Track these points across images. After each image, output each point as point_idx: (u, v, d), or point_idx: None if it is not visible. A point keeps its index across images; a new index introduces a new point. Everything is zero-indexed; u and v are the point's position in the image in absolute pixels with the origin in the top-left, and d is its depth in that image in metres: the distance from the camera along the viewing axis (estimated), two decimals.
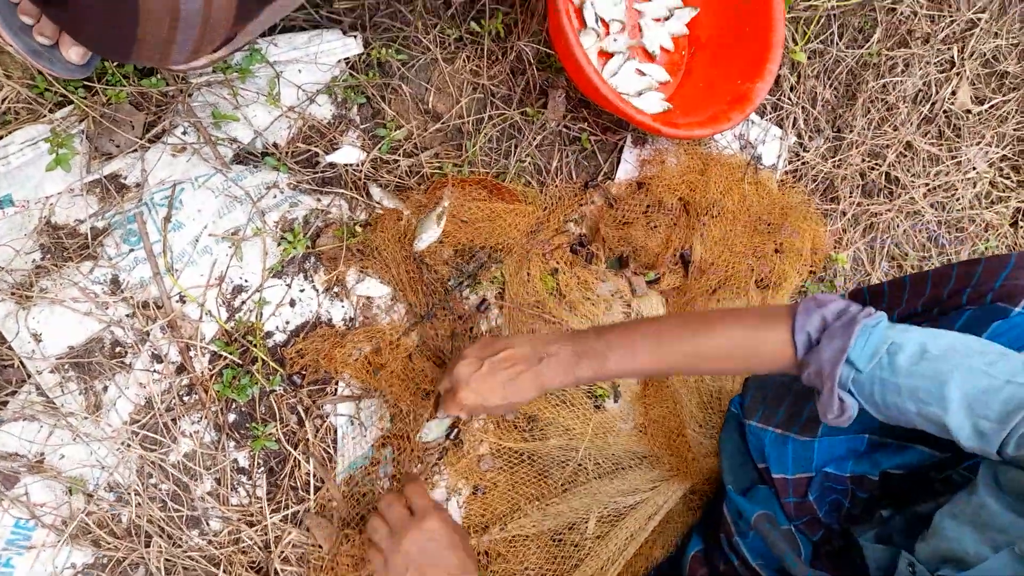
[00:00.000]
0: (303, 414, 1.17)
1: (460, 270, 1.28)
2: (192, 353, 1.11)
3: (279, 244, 1.17)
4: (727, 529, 1.14)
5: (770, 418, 1.07)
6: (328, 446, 1.19)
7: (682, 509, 1.41)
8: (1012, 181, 1.92)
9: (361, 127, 1.25)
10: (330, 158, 1.21)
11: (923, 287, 1.03)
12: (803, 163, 1.64)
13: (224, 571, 1.11)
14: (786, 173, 1.63)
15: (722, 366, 0.97)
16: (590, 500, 1.37)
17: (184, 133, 1.13)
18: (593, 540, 1.35)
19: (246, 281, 1.15)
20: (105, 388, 1.07)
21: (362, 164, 1.23)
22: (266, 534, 1.13)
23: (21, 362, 1.03)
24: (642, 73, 1.48)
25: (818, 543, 1.08)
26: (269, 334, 1.17)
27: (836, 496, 1.05)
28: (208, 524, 1.12)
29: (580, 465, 1.37)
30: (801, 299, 0.95)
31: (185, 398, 1.11)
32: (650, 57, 1.50)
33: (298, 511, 1.16)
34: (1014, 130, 1.89)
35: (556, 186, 1.38)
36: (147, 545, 1.08)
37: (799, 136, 1.65)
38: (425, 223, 1.18)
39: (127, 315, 1.09)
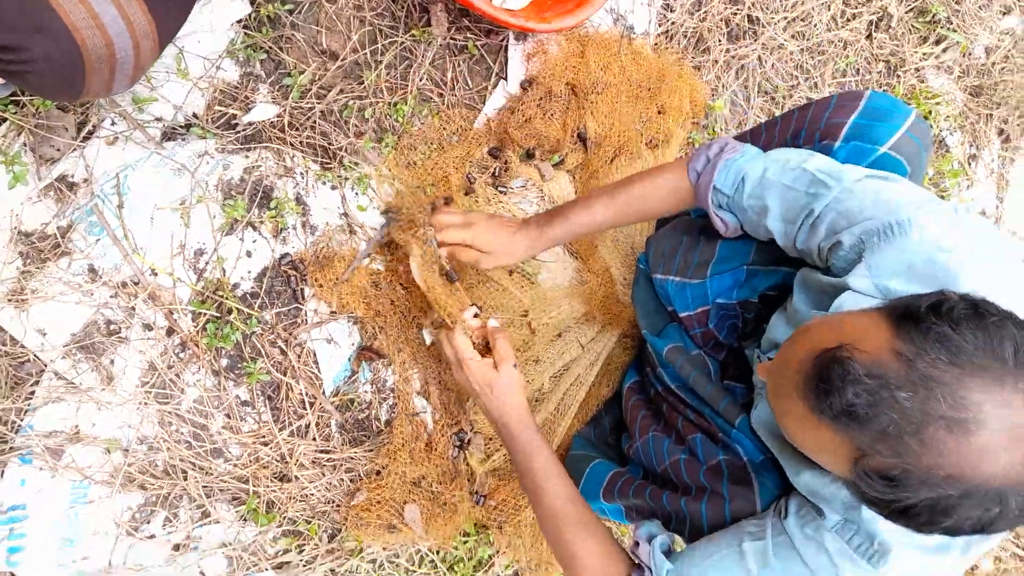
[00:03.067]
0: (283, 346, 1.45)
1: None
2: (176, 316, 1.37)
3: (222, 207, 1.40)
4: (652, 363, 1.50)
5: (669, 269, 1.41)
6: (311, 367, 1.48)
7: (620, 352, 1.77)
8: None
9: (268, 80, 1.46)
10: (247, 118, 1.43)
11: (787, 125, 1.34)
12: (672, 23, 1.91)
13: (253, 485, 1.42)
14: (658, 36, 1.90)
15: (651, 207, 1.34)
16: (540, 367, 1.71)
17: (113, 124, 1.33)
18: (549, 390, 1.71)
19: (204, 244, 1.39)
20: (112, 361, 1.32)
21: (278, 117, 1.45)
22: (280, 449, 1.44)
23: (35, 355, 1.27)
24: None
25: (723, 362, 1.44)
26: (236, 285, 1.42)
27: (732, 320, 1.40)
28: (230, 451, 1.41)
29: (533, 333, 1.70)
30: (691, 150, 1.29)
31: (181, 355, 1.37)
32: None
33: (301, 425, 1.46)
34: None
35: (455, 95, 1.63)
36: (184, 478, 1.37)
37: None
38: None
39: (111, 296, 1.32)
